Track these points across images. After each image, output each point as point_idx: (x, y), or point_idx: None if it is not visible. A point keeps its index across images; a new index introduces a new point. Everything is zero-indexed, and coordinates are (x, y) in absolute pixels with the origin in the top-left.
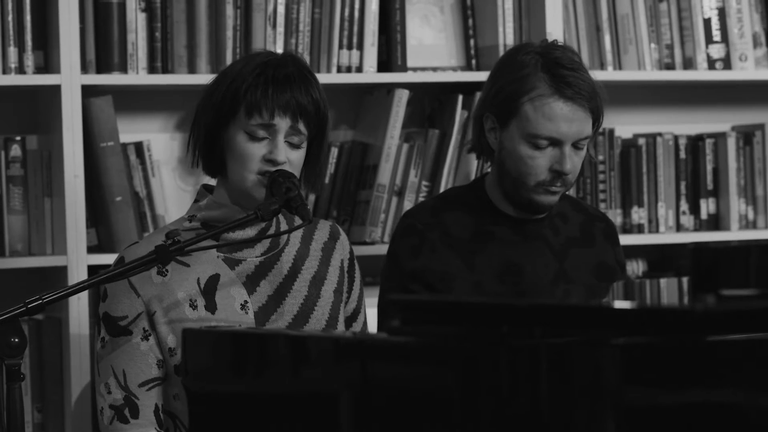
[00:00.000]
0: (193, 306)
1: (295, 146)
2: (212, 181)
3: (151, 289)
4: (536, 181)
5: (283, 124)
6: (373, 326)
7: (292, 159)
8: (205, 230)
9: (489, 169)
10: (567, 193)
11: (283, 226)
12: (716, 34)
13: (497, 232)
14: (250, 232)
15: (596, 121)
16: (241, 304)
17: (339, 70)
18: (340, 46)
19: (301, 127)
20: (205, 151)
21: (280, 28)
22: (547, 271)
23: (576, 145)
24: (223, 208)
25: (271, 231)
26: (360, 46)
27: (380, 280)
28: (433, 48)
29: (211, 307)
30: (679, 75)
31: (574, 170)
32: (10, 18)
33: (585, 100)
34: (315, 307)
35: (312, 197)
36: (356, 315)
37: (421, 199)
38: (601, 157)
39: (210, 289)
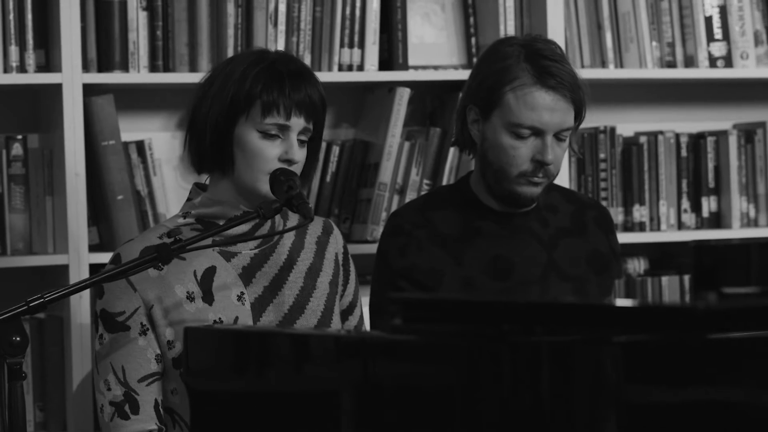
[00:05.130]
0: (191, 298)
1: (302, 145)
2: (203, 179)
3: (148, 283)
4: (518, 171)
5: (296, 123)
6: (367, 325)
7: (301, 158)
8: (201, 225)
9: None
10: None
11: (278, 222)
12: (717, 32)
13: (484, 227)
14: (244, 227)
15: (578, 113)
16: (237, 296)
17: (340, 69)
18: (342, 45)
19: (311, 125)
20: (210, 148)
21: (281, 27)
22: (536, 263)
23: (558, 136)
24: (217, 204)
25: (264, 229)
26: (361, 45)
27: (371, 280)
28: (434, 46)
29: (208, 299)
30: (680, 73)
31: (556, 161)
32: (11, 17)
33: (567, 90)
34: (310, 299)
35: (314, 195)
36: (352, 309)
37: None
38: (602, 155)
39: (207, 281)
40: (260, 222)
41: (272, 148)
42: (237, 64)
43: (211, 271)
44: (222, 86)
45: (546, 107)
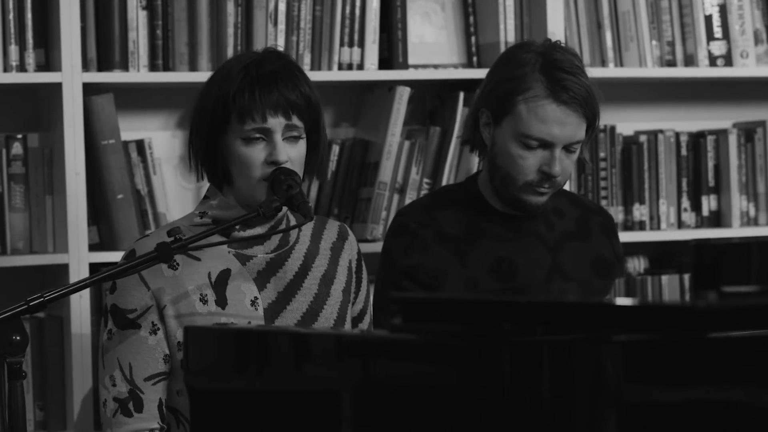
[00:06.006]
0: (204, 300)
1: (294, 141)
2: None
3: (162, 282)
4: (524, 180)
5: (276, 124)
6: None
7: (293, 155)
8: (216, 227)
9: (481, 165)
10: (564, 188)
11: (292, 223)
12: (717, 31)
13: (490, 229)
14: (259, 230)
15: (591, 125)
16: (251, 300)
17: (340, 68)
18: (341, 44)
19: (296, 121)
20: (207, 161)
21: (281, 26)
22: (540, 266)
23: (568, 148)
24: (234, 208)
25: (282, 226)
26: (361, 44)
27: (375, 278)
28: (434, 45)
29: (221, 302)
30: (680, 72)
31: (564, 173)
32: (11, 16)
33: (579, 105)
34: (324, 306)
35: (313, 194)
36: (363, 316)
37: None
38: (602, 154)
39: (221, 283)
40: (276, 224)
41: (257, 152)
42: (220, 71)
43: (225, 274)
44: (207, 100)
45: (556, 121)
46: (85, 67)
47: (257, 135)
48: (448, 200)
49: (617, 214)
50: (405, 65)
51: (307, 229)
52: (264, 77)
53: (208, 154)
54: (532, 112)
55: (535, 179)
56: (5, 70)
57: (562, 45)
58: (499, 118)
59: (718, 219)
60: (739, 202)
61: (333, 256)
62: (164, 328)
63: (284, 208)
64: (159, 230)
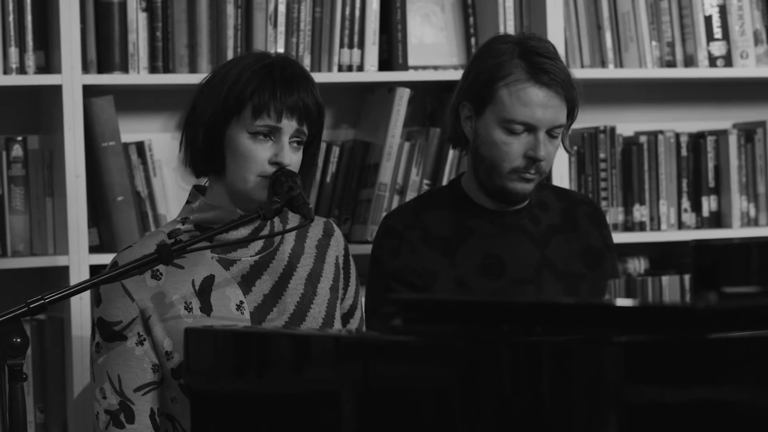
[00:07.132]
0: (188, 308)
1: (296, 147)
2: (202, 181)
3: (146, 293)
4: (510, 167)
5: (288, 126)
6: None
7: (294, 160)
8: (199, 232)
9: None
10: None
11: (277, 225)
12: (717, 32)
13: (476, 226)
14: (243, 231)
15: (571, 111)
16: (236, 305)
17: (340, 69)
18: (341, 45)
19: (305, 128)
20: (203, 150)
21: (281, 28)
22: (528, 260)
23: (550, 133)
24: (216, 209)
25: (266, 230)
26: (361, 45)
27: (366, 282)
28: (434, 46)
29: (206, 308)
30: (680, 72)
31: (548, 158)
32: (11, 18)
33: (560, 87)
34: (311, 305)
35: (314, 196)
36: (353, 311)
37: None
38: (602, 155)
39: (205, 290)
40: (261, 225)
41: (262, 150)
42: (234, 66)
43: (209, 280)
44: (217, 88)
45: (539, 103)
46: (85, 69)
47: (266, 133)
48: (434, 201)
49: (617, 214)
50: (405, 66)
51: (292, 227)
52: (287, 79)
53: (206, 141)
54: (514, 95)
55: (521, 165)
56: (5, 72)
57: (537, 35)
58: (481, 108)
59: (718, 219)
60: (739, 203)
61: (319, 254)
62: (150, 338)
63: None
64: (142, 240)
